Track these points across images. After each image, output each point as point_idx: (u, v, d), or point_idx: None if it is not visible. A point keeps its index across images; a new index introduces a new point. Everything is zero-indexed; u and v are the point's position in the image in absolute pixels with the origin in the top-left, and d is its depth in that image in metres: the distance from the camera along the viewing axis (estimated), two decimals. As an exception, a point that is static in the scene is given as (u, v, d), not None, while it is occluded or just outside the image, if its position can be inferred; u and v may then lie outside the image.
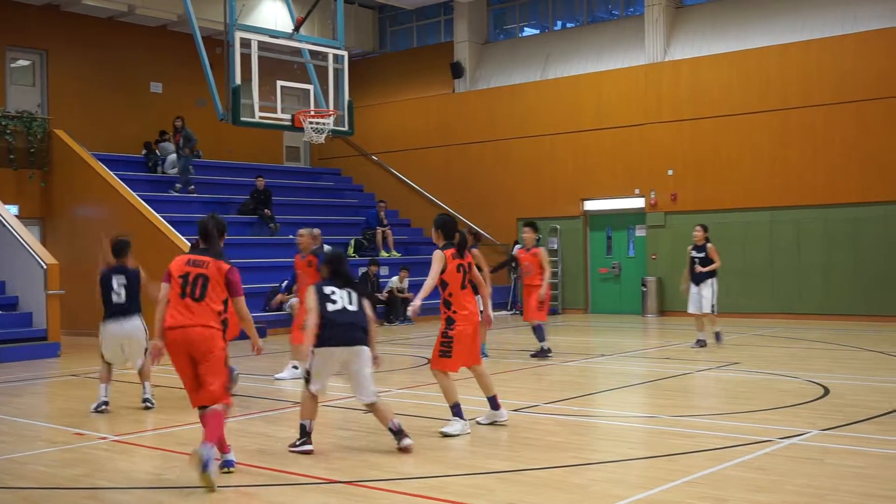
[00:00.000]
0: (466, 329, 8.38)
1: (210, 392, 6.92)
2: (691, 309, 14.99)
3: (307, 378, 7.68)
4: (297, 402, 8.87)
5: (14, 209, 20.21)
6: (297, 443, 7.66)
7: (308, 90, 16.24)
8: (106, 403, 10.08)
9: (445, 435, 8.19)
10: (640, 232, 23.07)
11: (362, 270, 20.92)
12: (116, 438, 8.49)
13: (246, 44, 14.89)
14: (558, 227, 24.02)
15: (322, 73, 16.07)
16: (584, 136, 23.57)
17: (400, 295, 21.33)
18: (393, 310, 21.27)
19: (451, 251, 8.42)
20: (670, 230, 22.00)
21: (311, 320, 7.64)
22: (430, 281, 8.37)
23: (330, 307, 7.62)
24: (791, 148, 20.62)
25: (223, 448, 7.06)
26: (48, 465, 7.53)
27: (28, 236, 17.36)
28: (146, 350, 10.28)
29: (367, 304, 7.86)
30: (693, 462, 7.12)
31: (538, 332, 13.86)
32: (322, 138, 15.89)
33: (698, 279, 14.79)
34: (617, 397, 10.70)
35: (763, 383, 11.17)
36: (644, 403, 10.52)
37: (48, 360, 15.41)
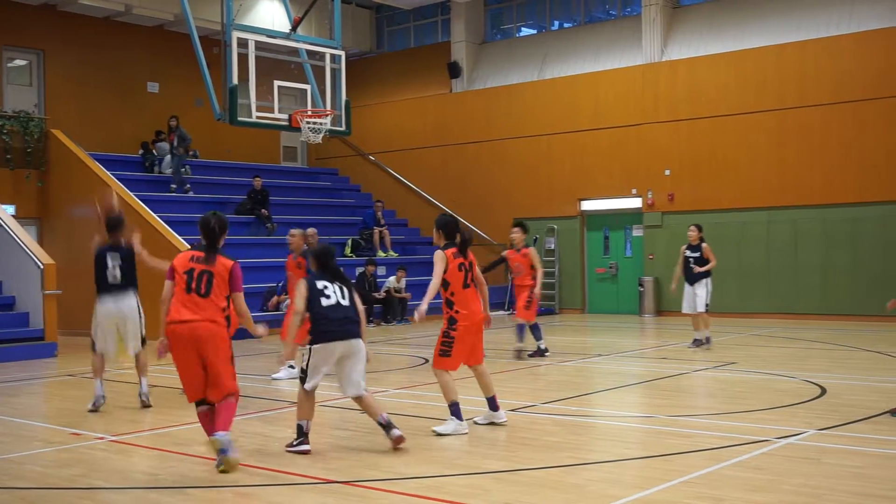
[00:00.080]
0: (469, 328, 8.38)
1: (226, 387, 7.14)
2: (685, 309, 14.95)
3: (303, 377, 7.68)
4: (294, 403, 8.86)
5: (11, 209, 20.18)
6: (295, 443, 7.66)
7: (305, 90, 16.22)
8: (102, 398, 10.05)
9: (438, 434, 8.23)
10: (637, 232, 23.09)
11: (359, 270, 20.91)
12: (113, 438, 8.48)
13: (243, 44, 14.89)
14: (555, 227, 24.03)
15: (319, 72, 16.07)
16: (581, 136, 23.58)
17: (397, 295, 21.33)
18: (390, 310, 21.26)
19: (452, 250, 8.43)
20: (667, 230, 22.01)
21: (296, 321, 7.71)
22: (435, 282, 8.39)
23: (324, 302, 7.63)
24: (788, 148, 20.64)
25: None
26: (45, 465, 7.52)
27: (25, 236, 17.34)
28: (143, 337, 10.30)
29: (357, 297, 7.89)
30: (690, 462, 7.12)
31: (520, 331, 13.87)
32: (319, 138, 15.89)
33: (693, 279, 14.74)
34: (614, 397, 10.71)
35: (760, 383, 11.18)
36: (641, 403, 10.53)
37: (45, 360, 15.40)
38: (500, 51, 25.98)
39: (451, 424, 8.28)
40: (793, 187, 20.52)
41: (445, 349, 8.36)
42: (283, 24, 17.81)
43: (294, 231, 12.25)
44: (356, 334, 7.69)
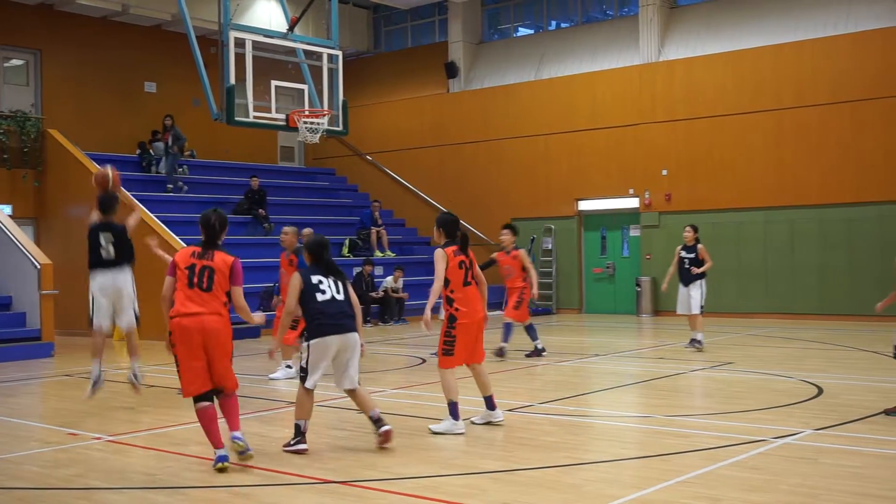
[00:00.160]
0: (468, 326, 8.39)
1: (232, 379, 7.31)
2: (680, 310, 14.88)
3: (303, 376, 7.68)
4: (291, 403, 8.86)
5: (7, 209, 20.18)
6: (292, 442, 7.66)
7: (302, 90, 16.21)
8: (102, 379, 10.09)
9: (433, 432, 8.28)
10: (634, 232, 23.10)
11: (357, 270, 20.90)
12: (110, 439, 8.47)
13: (240, 43, 14.88)
14: (552, 227, 24.03)
15: (316, 72, 16.06)
16: (578, 136, 23.59)
17: (394, 295, 21.32)
18: (387, 310, 21.26)
19: (452, 248, 8.44)
20: (664, 230, 22.02)
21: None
22: (437, 283, 8.39)
23: (319, 297, 7.64)
24: (785, 148, 20.65)
25: (217, 443, 7.13)
26: (42, 466, 7.51)
27: (22, 236, 17.33)
28: (136, 312, 10.36)
29: (351, 290, 7.89)
30: (687, 462, 7.12)
31: (507, 330, 13.85)
32: (316, 138, 15.88)
33: (688, 280, 14.66)
34: (611, 397, 10.71)
35: (757, 383, 11.18)
36: (638, 403, 10.53)
37: (42, 360, 15.38)
38: (498, 51, 25.98)
39: (446, 423, 8.31)
40: (790, 187, 20.54)
41: (448, 348, 8.38)
42: (280, 24, 17.81)
43: (287, 228, 12.26)
44: (352, 328, 7.71)
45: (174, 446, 8.08)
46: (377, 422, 7.73)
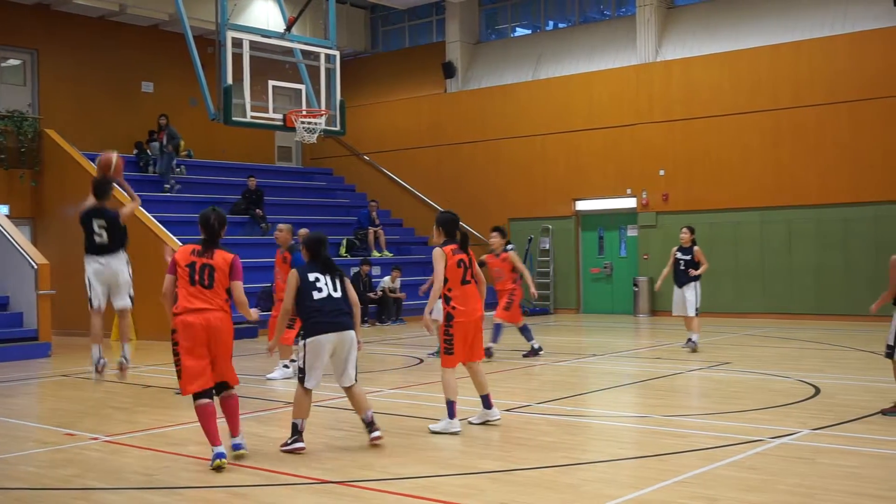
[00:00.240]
0: (466, 325, 8.39)
1: (233, 375, 7.44)
2: (676, 311, 14.83)
3: (301, 377, 7.68)
4: (289, 403, 8.86)
5: (4, 209, 20.15)
6: (289, 441, 7.66)
7: (300, 90, 16.19)
8: (103, 361, 10.16)
9: (431, 431, 8.34)
10: (631, 232, 23.11)
11: (354, 270, 20.90)
12: (107, 439, 8.46)
13: (237, 43, 14.86)
14: (550, 227, 24.04)
15: (314, 72, 16.04)
16: (575, 136, 23.59)
17: (392, 295, 21.33)
18: (385, 310, 21.26)
19: (451, 247, 8.45)
20: (662, 230, 22.03)
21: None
22: (437, 284, 8.40)
23: (316, 295, 7.64)
24: (782, 148, 20.67)
25: (215, 441, 7.16)
26: (39, 466, 7.50)
27: (19, 236, 17.31)
28: (131, 295, 10.43)
29: (349, 286, 7.89)
30: (684, 462, 7.13)
31: (497, 331, 13.86)
32: (314, 138, 15.86)
33: (682, 281, 14.59)
34: (608, 397, 10.72)
35: (754, 383, 11.19)
36: (635, 403, 10.54)
37: (39, 361, 15.37)
38: (495, 51, 25.98)
39: (443, 422, 8.35)
40: (787, 188, 20.55)
41: (448, 346, 8.41)
42: (277, 24, 17.80)
43: (282, 226, 12.27)
44: (348, 326, 7.71)
45: (171, 446, 8.08)
46: (369, 425, 7.82)
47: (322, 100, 16.04)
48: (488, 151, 25.14)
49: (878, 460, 7.24)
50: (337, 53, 16.24)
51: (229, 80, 14.71)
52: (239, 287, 7.43)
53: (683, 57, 22.15)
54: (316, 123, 15.74)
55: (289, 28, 15.87)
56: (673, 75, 22.17)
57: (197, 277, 7.27)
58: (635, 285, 22.46)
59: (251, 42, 15.03)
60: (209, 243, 7.44)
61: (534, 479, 6.71)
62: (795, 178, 20.45)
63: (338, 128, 16.40)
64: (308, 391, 7.67)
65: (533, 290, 13.99)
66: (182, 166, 23.35)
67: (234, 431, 7.46)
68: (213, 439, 7.13)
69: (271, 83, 15.28)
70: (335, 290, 7.74)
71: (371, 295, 20.83)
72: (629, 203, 22.90)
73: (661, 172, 22.24)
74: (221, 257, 7.40)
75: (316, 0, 17.92)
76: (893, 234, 18.93)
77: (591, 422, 9.17)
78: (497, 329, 13.88)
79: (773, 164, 20.74)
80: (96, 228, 10.13)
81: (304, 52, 16.28)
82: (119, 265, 10.25)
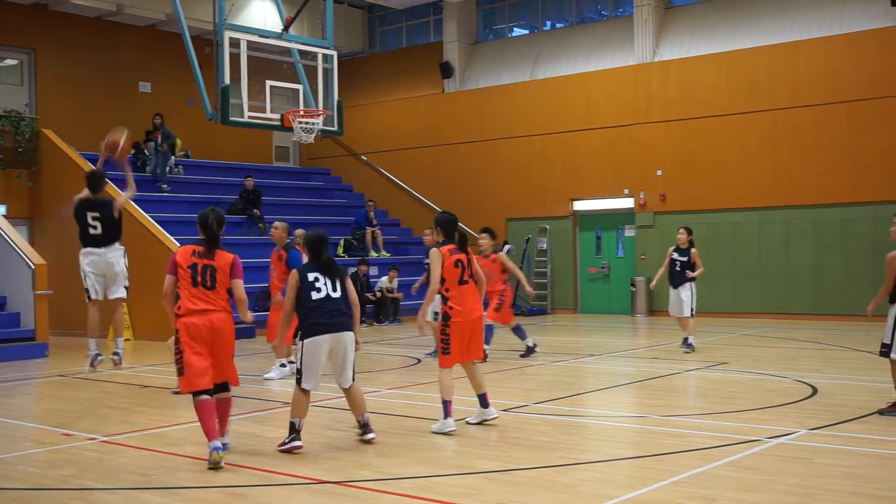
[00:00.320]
0: (462, 325, 8.38)
1: (235, 375, 7.54)
2: (673, 312, 14.76)
3: (299, 378, 7.68)
4: (286, 403, 8.86)
5: (2, 209, 20.12)
6: (287, 441, 7.66)
7: (297, 90, 16.19)
8: (99, 356, 10.28)
9: (431, 431, 8.35)
10: (629, 232, 23.11)
11: (352, 270, 20.90)
12: (104, 439, 8.45)
13: (235, 43, 14.85)
14: (547, 227, 24.04)
15: (311, 72, 16.04)
16: (573, 136, 23.59)
17: (389, 295, 21.33)
18: (382, 310, 21.26)
19: (448, 247, 8.45)
20: (659, 230, 22.03)
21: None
22: (434, 284, 8.40)
23: (314, 295, 7.64)
24: (780, 148, 20.68)
25: (213, 436, 7.20)
26: (36, 466, 7.49)
27: (16, 236, 17.29)
28: (126, 285, 10.50)
29: (350, 286, 7.89)
30: (682, 462, 7.13)
31: (489, 332, 13.85)
32: (311, 138, 15.85)
33: (677, 282, 14.52)
34: (606, 397, 10.72)
35: (752, 383, 11.20)
36: (633, 403, 10.54)
37: (36, 361, 15.35)
38: (493, 51, 25.99)
39: (440, 422, 8.36)
40: (785, 188, 20.56)
41: (445, 346, 8.41)
42: (275, 24, 17.80)
43: (277, 224, 12.28)
44: (347, 327, 7.72)
45: (169, 446, 8.07)
46: (364, 426, 7.91)
47: (319, 100, 16.03)
48: (486, 151, 25.14)
49: (876, 460, 7.25)
50: (334, 53, 16.22)
51: (227, 80, 14.70)
52: (240, 285, 7.50)
53: (681, 57, 22.16)
54: (313, 123, 15.73)
55: (286, 28, 15.86)
56: (670, 75, 22.18)
57: (199, 279, 7.33)
58: (633, 285, 22.47)
59: (249, 42, 15.02)
60: (210, 244, 7.47)
61: (531, 479, 6.71)
62: (793, 179, 20.47)
63: (335, 128, 16.39)
64: (306, 392, 7.67)
65: (529, 289, 13.97)
66: (180, 166, 23.33)
67: (221, 431, 7.49)
68: (212, 434, 7.17)
69: (269, 83, 15.27)
70: (334, 290, 7.74)
71: (369, 295, 20.83)
72: (627, 203, 22.90)
73: (659, 172, 22.25)
74: (223, 258, 7.46)
75: (313, 0, 17.92)
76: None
77: (589, 422, 9.17)
78: (489, 330, 13.87)
79: (771, 164, 20.75)
80: (90, 220, 10.19)
81: (301, 52, 16.26)
82: (114, 256, 10.30)
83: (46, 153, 21.26)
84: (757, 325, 19.20)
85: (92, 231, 10.20)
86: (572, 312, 23.73)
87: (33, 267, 16.41)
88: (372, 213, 23.96)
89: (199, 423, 7.29)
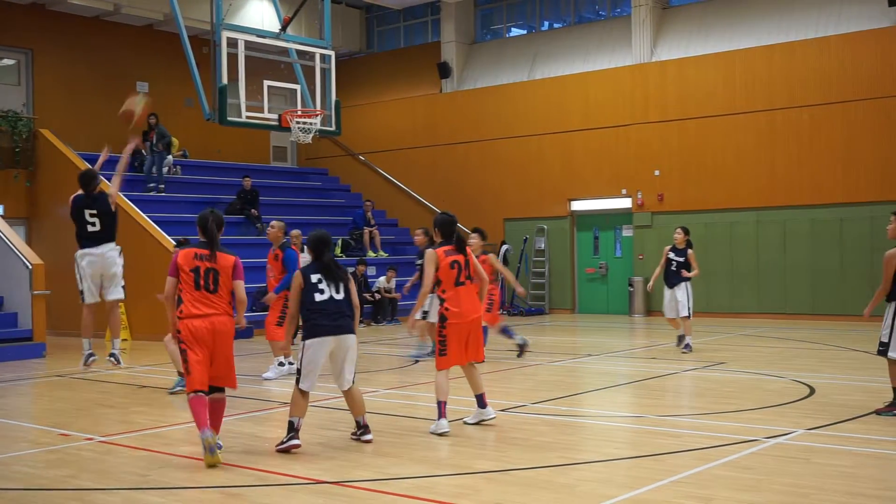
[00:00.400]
0: (459, 326, 8.35)
1: (233, 378, 7.61)
2: (668, 314, 14.70)
3: (298, 378, 7.68)
4: (284, 403, 8.86)
5: (-1, 209, 20.11)
6: (285, 439, 7.65)
7: (295, 90, 16.19)
8: (93, 355, 10.35)
9: (430, 432, 8.34)
10: (626, 232, 23.12)
11: (350, 271, 20.87)
12: (102, 439, 8.45)
13: (233, 43, 14.85)
14: (545, 227, 24.04)
15: (309, 72, 16.04)
16: (570, 136, 23.60)
17: (387, 295, 21.33)
18: (380, 310, 21.26)
19: (443, 249, 8.43)
20: (657, 230, 22.03)
21: (291, 327, 7.82)
22: (426, 285, 8.40)
23: (318, 297, 7.65)
24: (777, 148, 20.69)
25: (203, 424, 7.28)
26: (33, 466, 7.48)
27: (13, 236, 17.27)
28: (122, 285, 10.55)
29: (353, 288, 7.89)
30: (679, 462, 7.13)
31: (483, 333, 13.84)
32: (309, 138, 15.86)
33: (673, 282, 14.49)
34: (604, 397, 10.72)
35: (749, 383, 11.20)
36: (631, 403, 10.54)
37: (33, 361, 15.33)
38: (490, 51, 25.99)
39: (434, 424, 8.35)
40: (782, 188, 20.58)
41: (441, 348, 8.40)
42: (272, 24, 17.79)
43: (274, 223, 12.29)
44: (349, 329, 7.73)
45: (166, 447, 8.07)
46: (362, 428, 7.93)
47: (317, 100, 16.04)
48: (484, 152, 25.14)
49: (873, 460, 7.26)
50: (332, 53, 16.23)
51: (224, 80, 14.70)
52: (241, 286, 7.61)
53: (678, 57, 22.17)
54: (311, 123, 15.74)
55: (284, 28, 15.86)
56: (668, 76, 22.19)
57: (202, 282, 7.43)
58: (630, 285, 22.47)
59: (246, 42, 15.02)
60: (211, 246, 7.55)
61: (529, 479, 6.71)
62: (790, 179, 20.48)
63: (333, 128, 16.39)
64: (305, 392, 7.67)
65: (520, 290, 13.96)
66: (178, 166, 23.31)
67: (215, 426, 7.53)
68: (203, 423, 7.25)
69: (266, 83, 15.28)
70: (338, 292, 7.74)
71: (367, 295, 20.83)
72: (624, 203, 22.91)
73: (657, 173, 22.25)
74: (225, 260, 7.57)
75: (311, 0, 17.92)
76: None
77: (587, 422, 9.17)
78: (483, 331, 13.85)
79: (768, 164, 20.77)
80: (88, 217, 10.22)
81: (299, 52, 16.27)
82: (112, 255, 10.32)
83: (44, 153, 21.23)
84: (754, 325, 19.21)
85: (91, 228, 10.23)
86: (570, 312, 23.73)
87: (30, 267, 16.39)
88: (370, 214, 23.95)
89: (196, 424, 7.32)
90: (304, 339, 7.67)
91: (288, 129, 15.65)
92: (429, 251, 8.45)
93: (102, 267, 10.34)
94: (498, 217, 24.53)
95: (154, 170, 22.14)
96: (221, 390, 7.63)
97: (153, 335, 16.87)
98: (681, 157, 21.94)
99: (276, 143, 27.80)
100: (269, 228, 12.38)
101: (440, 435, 8.19)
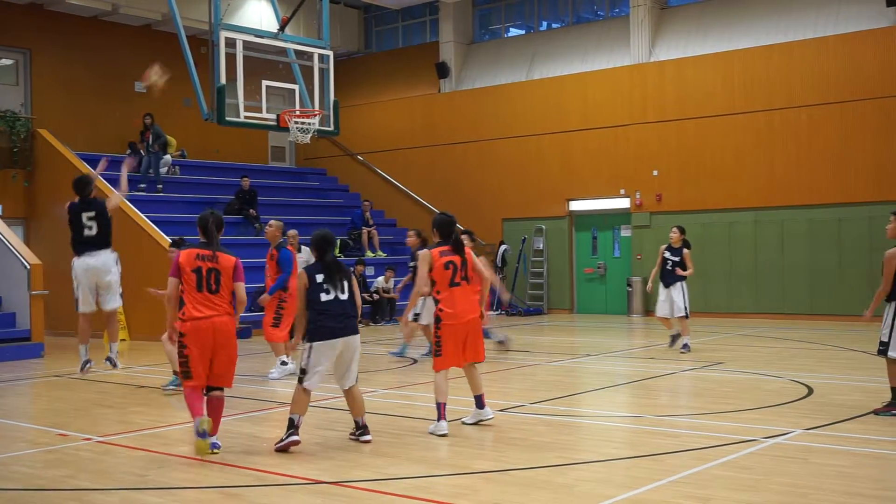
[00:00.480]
0: (454, 327, 8.34)
1: (231, 377, 7.72)
2: (660, 313, 14.59)
3: (301, 377, 7.68)
4: (283, 403, 8.86)
5: (-3, 209, 20.08)
6: (284, 437, 7.65)
7: (293, 90, 16.19)
8: (90, 362, 10.37)
9: (429, 432, 8.34)
10: (625, 232, 23.12)
11: (348, 270, 20.89)
12: (100, 439, 8.44)
13: (231, 43, 14.86)
14: (543, 227, 24.04)
15: (307, 72, 16.05)
16: (569, 136, 23.60)
17: (386, 295, 21.33)
18: (379, 310, 21.26)
19: (438, 249, 8.41)
20: (655, 230, 22.03)
21: (302, 322, 7.80)
22: (418, 286, 8.41)
23: (323, 297, 7.66)
24: (775, 149, 20.70)
25: (198, 412, 7.45)
26: (31, 467, 7.48)
27: (11, 236, 17.26)
28: (120, 293, 10.57)
29: (356, 288, 7.90)
30: (678, 462, 7.13)
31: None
32: (307, 138, 15.86)
33: (669, 281, 14.43)
34: (602, 397, 10.72)
35: (747, 383, 11.21)
36: (629, 403, 10.54)
37: (32, 361, 15.32)
38: (489, 51, 25.99)
39: (433, 424, 8.34)
40: (780, 188, 20.59)
41: (437, 349, 8.40)
42: (271, 24, 17.78)
43: (272, 222, 12.27)
44: (355, 330, 7.76)
45: (164, 447, 8.06)
46: (361, 428, 7.94)
47: (316, 100, 16.04)
48: (482, 152, 25.14)
49: (871, 460, 7.26)
50: (330, 53, 16.24)
51: (223, 80, 14.71)
52: (242, 287, 7.71)
53: (677, 57, 22.18)
54: (309, 123, 15.75)
55: (282, 28, 15.87)
56: (666, 76, 22.20)
57: (204, 283, 7.50)
58: (629, 285, 22.47)
59: (244, 42, 15.03)
60: (212, 247, 7.61)
61: (528, 479, 6.71)
62: (788, 179, 20.49)
63: (331, 128, 16.40)
64: (307, 390, 7.68)
65: (504, 294, 13.98)
66: (176, 166, 23.30)
67: (213, 430, 7.56)
68: (198, 412, 7.38)
69: (265, 83, 15.29)
70: (342, 292, 7.74)
71: (365, 295, 20.83)
72: (623, 203, 22.91)
73: (655, 173, 22.26)
74: (226, 261, 7.66)
75: (309, 0, 17.93)
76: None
77: (585, 422, 9.17)
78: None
79: (767, 164, 20.77)
80: (85, 221, 10.23)
81: (297, 52, 16.28)
82: (108, 262, 10.30)
83: (42, 153, 21.21)
84: (752, 325, 19.21)
85: (87, 232, 10.21)
86: (568, 312, 23.73)
87: (29, 267, 16.39)
88: (368, 214, 23.95)
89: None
90: (308, 340, 7.66)
91: (286, 129, 15.66)
92: (423, 251, 8.46)
93: (98, 275, 10.31)
94: (496, 217, 24.53)
95: (151, 170, 22.12)
96: (220, 389, 7.68)
97: (152, 335, 16.86)
98: (679, 157, 21.95)
99: (274, 143, 27.79)
100: (267, 227, 12.37)
101: (439, 436, 8.19)
